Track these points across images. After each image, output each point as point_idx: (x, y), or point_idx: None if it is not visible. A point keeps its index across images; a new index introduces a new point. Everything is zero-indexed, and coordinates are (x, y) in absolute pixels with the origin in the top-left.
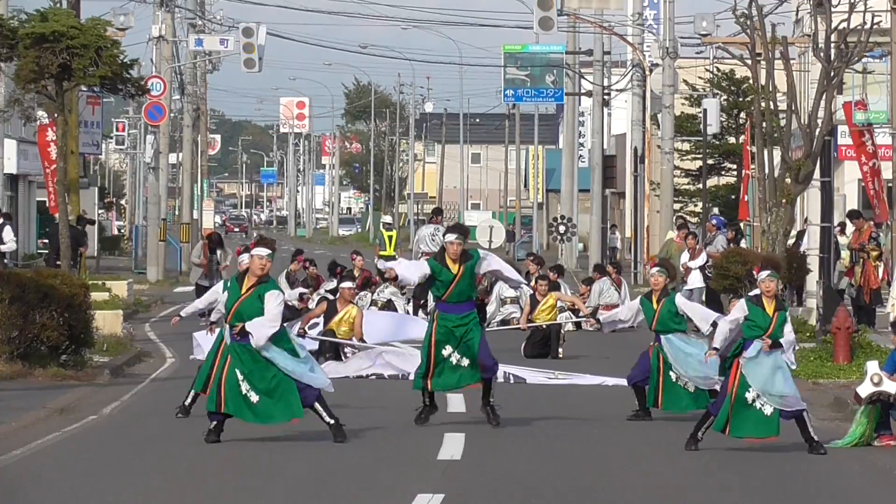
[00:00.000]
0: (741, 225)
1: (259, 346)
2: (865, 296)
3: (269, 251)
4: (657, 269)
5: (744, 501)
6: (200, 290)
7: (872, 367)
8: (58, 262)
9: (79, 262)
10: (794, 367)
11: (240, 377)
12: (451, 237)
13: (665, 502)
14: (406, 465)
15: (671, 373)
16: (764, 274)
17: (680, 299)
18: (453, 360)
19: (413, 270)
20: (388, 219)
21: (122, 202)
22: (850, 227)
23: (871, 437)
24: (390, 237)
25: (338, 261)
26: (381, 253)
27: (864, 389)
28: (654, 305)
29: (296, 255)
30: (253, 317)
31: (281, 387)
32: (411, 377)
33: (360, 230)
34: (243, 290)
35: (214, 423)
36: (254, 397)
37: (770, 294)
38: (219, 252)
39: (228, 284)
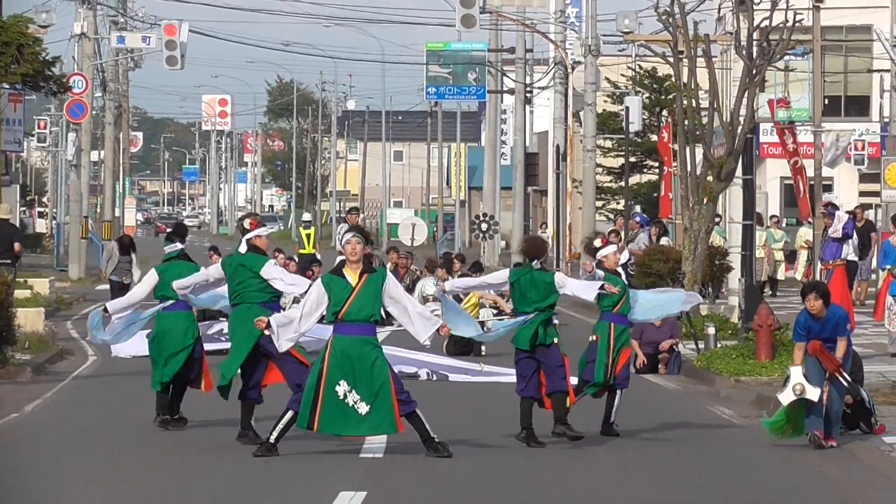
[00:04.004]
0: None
1: None
2: None
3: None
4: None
5: (665, 500)
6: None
7: (796, 374)
8: (4, 261)
9: (16, 261)
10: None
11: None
12: (347, 236)
13: (584, 495)
14: (328, 463)
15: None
16: None
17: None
18: (349, 401)
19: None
20: (307, 216)
21: (44, 200)
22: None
23: (799, 429)
24: (308, 235)
25: None
26: (301, 251)
27: (786, 398)
28: None
29: (210, 252)
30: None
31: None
32: None
33: (282, 228)
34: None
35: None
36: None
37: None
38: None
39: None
